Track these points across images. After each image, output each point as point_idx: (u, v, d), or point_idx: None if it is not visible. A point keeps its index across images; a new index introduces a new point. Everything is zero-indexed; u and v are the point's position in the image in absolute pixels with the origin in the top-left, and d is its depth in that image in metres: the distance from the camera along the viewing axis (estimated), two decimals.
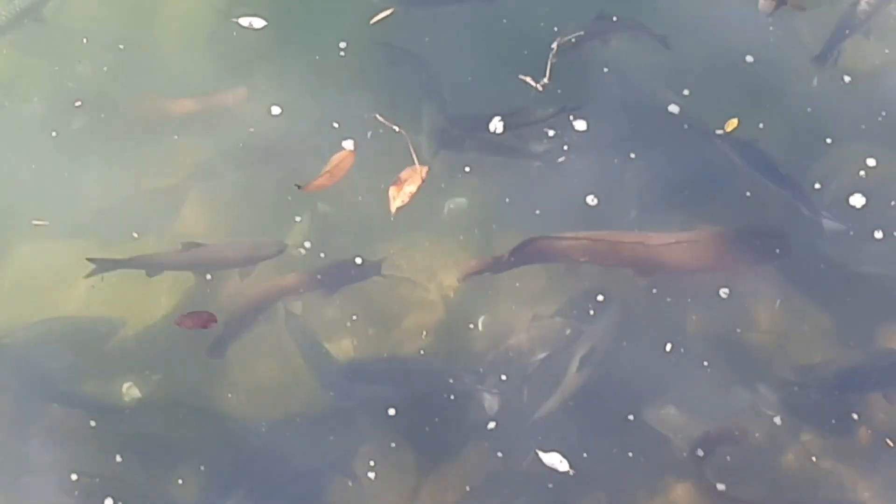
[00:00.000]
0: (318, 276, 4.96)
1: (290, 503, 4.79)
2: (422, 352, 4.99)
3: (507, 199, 5.20)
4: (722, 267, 4.90)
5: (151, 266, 4.96)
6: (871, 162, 5.07)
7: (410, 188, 4.57)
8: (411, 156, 4.84)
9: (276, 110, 5.28)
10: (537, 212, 5.08)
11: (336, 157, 4.80)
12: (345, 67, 5.44)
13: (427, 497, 4.81)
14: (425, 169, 4.74)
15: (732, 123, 5.16)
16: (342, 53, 5.44)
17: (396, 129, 4.91)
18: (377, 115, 5.00)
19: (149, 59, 5.66)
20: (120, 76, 5.61)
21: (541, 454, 4.56)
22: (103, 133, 5.47)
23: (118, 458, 4.78)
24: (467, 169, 5.23)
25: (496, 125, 5.10)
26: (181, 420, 4.89)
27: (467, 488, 4.78)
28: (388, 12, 5.44)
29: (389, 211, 4.72)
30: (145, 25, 5.77)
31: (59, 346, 5.03)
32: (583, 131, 5.16)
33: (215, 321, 4.59)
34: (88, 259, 4.91)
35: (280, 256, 5.00)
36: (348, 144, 4.98)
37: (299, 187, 4.77)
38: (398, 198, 4.54)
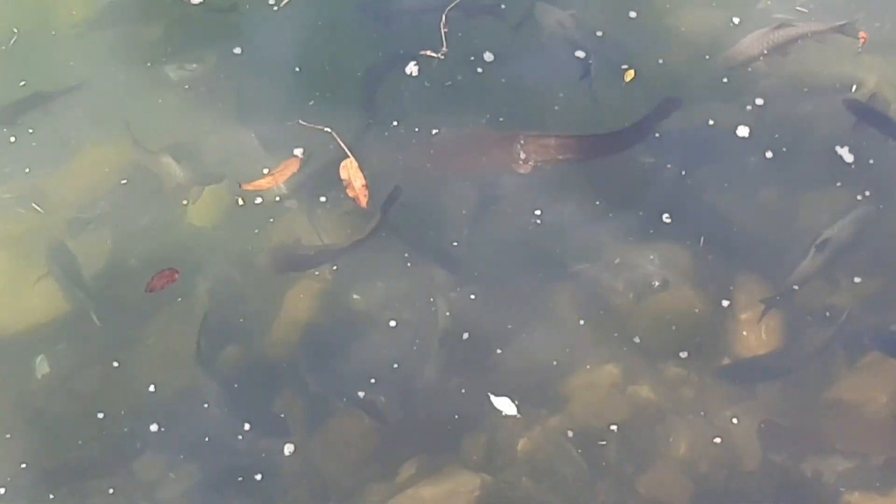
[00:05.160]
0: None
1: None
2: None
3: None
4: None
5: None
6: None
7: (359, 182, 5.16)
8: (343, 150, 5.35)
9: None
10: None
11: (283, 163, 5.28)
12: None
13: None
14: (355, 162, 5.30)
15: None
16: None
17: (328, 129, 5.38)
18: (300, 121, 5.47)
19: None
20: None
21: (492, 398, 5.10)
22: None
23: None
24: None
25: (412, 69, 5.73)
26: None
27: None
28: None
29: None
30: None
31: None
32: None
33: (177, 272, 5.20)
34: None
35: None
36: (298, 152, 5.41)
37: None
38: (359, 196, 5.11)
